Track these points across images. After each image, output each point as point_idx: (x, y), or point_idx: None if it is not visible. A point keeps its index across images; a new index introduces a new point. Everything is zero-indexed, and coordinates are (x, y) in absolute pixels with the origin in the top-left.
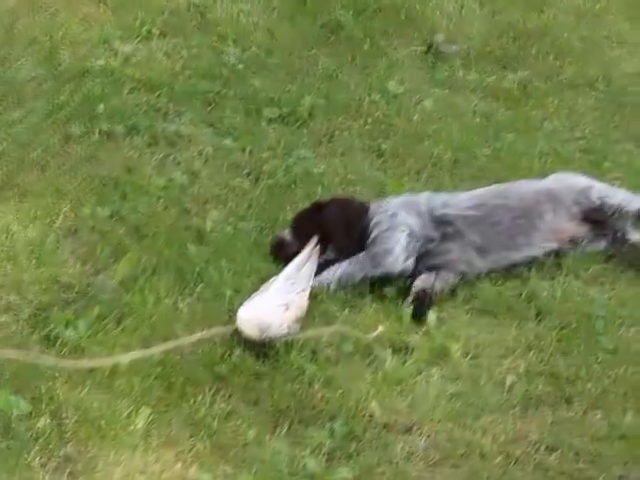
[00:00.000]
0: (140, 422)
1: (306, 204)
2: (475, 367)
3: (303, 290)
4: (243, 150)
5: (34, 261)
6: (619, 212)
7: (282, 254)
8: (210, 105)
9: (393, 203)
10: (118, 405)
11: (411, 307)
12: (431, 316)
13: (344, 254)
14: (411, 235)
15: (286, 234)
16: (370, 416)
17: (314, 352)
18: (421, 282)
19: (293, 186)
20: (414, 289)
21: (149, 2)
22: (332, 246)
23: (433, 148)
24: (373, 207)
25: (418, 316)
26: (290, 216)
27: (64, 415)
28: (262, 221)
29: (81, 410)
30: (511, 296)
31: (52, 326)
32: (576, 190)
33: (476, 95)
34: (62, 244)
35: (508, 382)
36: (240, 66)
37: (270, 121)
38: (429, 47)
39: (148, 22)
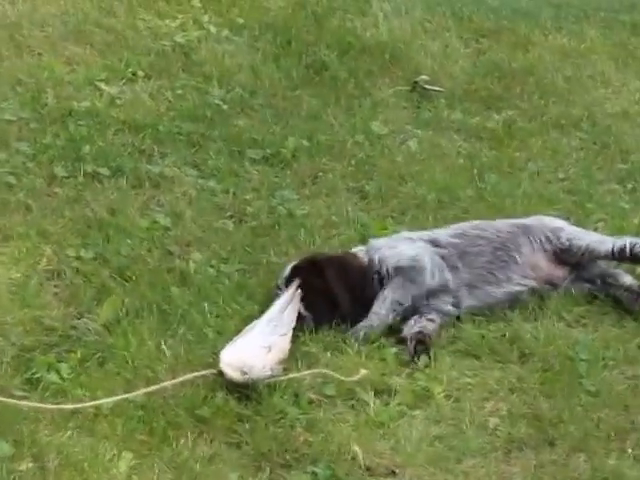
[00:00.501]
0: (122, 466)
1: (290, 247)
2: (458, 410)
3: (285, 333)
4: (227, 192)
5: (17, 303)
6: (588, 253)
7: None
8: (194, 146)
9: (382, 241)
10: (100, 449)
11: (412, 351)
12: (420, 360)
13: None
14: (426, 248)
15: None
16: (353, 459)
17: (296, 395)
18: (412, 327)
19: (277, 227)
20: (410, 334)
21: (135, 43)
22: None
23: (416, 189)
24: (366, 256)
25: (419, 357)
26: (274, 259)
27: (46, 458)
28: (245, 263)
29: (63, 453)
30: (494, 338)
31: (34, 369)
32: (548, 228)
33: (460, 135)
34: (45, 286)
35: (491, 425)
36: (224, 107)
37: (254, 162)
38: (413, 87)
39: (133, 63)
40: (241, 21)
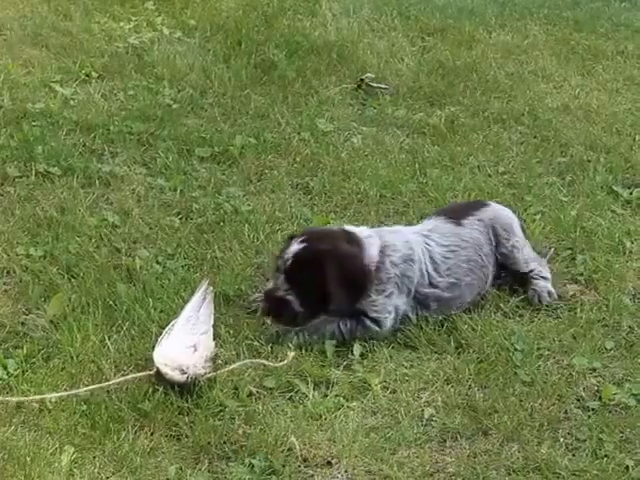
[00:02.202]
0: (64, 460)
1: (234, 243)
2: (394, 401)
3: (206, 331)
4: (175, 189)
5: None
6: (514, 266)
7: (287, 318)
8: (144, 145)
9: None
10: (43, 443)
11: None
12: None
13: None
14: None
15: (282, 290)
16: (290, 450)
17: (236, 388)
18: None
19: (222, 224)
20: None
21: (90, 46)
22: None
23: (360, 184)
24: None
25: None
26: (218, 254)
27: None
28: (190, 259)
29: (7, 449)
30: (432, 329)
31: None
32: (503, 227)
33: (403, 131)
34: None
35: (426, 415)
36: (175, 106)
37: (202, 160)
38: (359, 85)
39: (87, 65)
40: (193, 23)
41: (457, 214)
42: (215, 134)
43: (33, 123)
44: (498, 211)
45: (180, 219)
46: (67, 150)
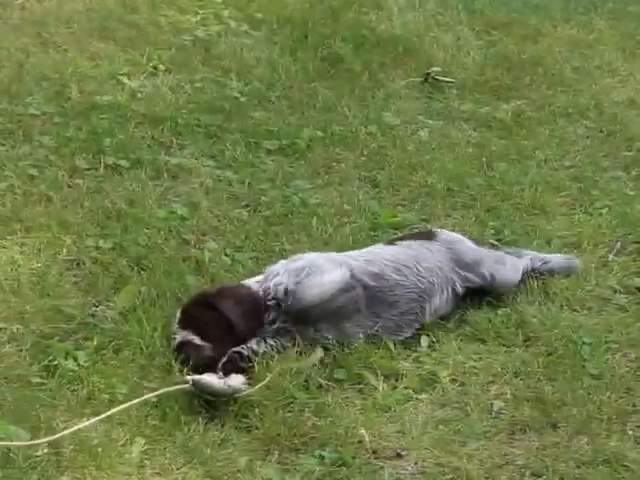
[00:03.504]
0: (135, 451)
1: (302, 235)
2: (463, 393)
3: None
4: (243, 182)
5: (38, 292)
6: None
7: (199, 360)
8: (212, 138)
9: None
10: (114, 434)
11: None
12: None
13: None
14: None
15: (191, 336)
16: (359, 443)
17: (306, 380)
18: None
19: (290, 216)
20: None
21: (157, 38)
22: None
23: (427, 178)
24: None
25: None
26: (286, 247)
27: (61, 444)
28: (258, 251)
29: (78, 439)
30: (500, 322)
31: (52, 356)
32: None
33: (470, 125)
34: (65, 275)
35: (495, 408)
36: (242, 99)
37: (269, 153)
38: (426, 78)
39: (155, 58)
40: (260, 16)
41: (403, 238)
42: (283, 127)
43: (101, 116)
44: (450, 238)
45: (248, 211)
46: (135, 142)
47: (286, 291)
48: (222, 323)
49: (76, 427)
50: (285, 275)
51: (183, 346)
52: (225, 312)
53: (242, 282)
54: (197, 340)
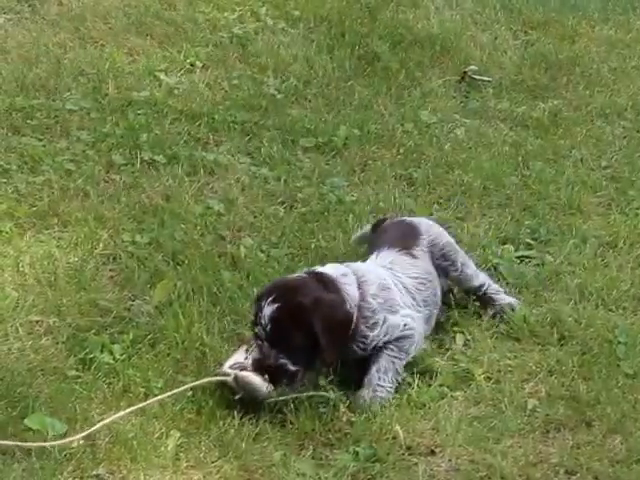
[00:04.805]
0: (170, 444)
1: (338, 232)
2: (497, 391)
3: None
4: (279, 179)
5: (74, 286)
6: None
7: (287, 381)
8: (248, 135)
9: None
10: (150, 427)
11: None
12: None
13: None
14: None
15: (272, 357)
16: (394, 439)
17: (342, 377)
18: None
19: (326, 213)
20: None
21: (194, 35)
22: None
23: (463, 176)
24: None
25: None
26: (322, 244)
27: (97, 436)
28: (294, 248)
29: (114, 431)
30: (535, 321)
31: (88, 350)
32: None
33: (506, 124)
34: (101, 270)
35: (529, 406)
36: (279, 96)
37: (306, 150)
38: (462, 77)
39: (192, 54)
40: (297, 13)
41: (402, 244)
42: (319, 124)
43: (138, 111)
44: (432, 234)
45: (284, 208)
46: (172, 138)
47: (376, 347)
48: (311, 343)
49: (109, 419)
50: (384, 327)
51: (267, 368)
52: (319, 336)
53: (340, 284)
54: (290, 365)
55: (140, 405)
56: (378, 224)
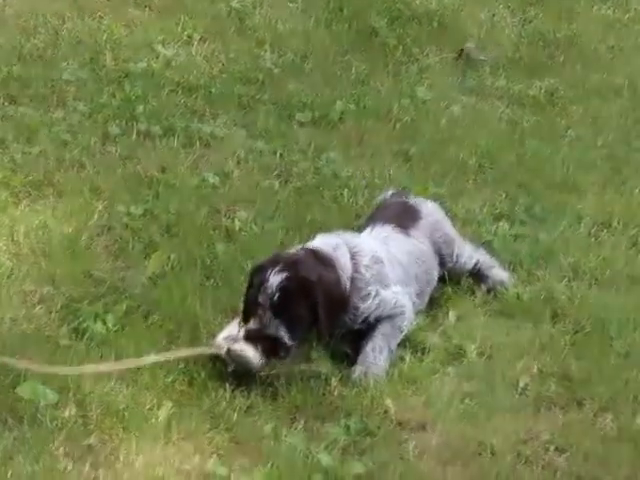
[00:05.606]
0: (162, 415)
1: (333, 206)
2: (489, 368)
3: None
4: (274, 152)
5: (68, 256)
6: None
7: (282, 355)
8: (245, 108)
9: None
10: (142, 398)
11: None
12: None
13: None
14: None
15: (272, 327)
16: (385, 413)
17: (333, 350)
18: None
19: (321, 188)
20: None
21: (192, 7)
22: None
23: (458, 153)
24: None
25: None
26: (317, 217)
27: (89, 407)
28: (289, 222)
29: (106, 402)
30: (529, 298)
31: (81, 319)
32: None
33: (503, 102)
34: (96, 240)
35: (521, 383)
36: (276, 70)
37: (302, 124)
38: (459, 54)
39: (190, 27)
40: None
41: (399, 222)
42: (315, 99)
43: (135, 83)
44: (433, 220)
45: (279, 182)
46: (168, 110)
47: (369, 323)
48: (310, 319)
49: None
50: (376, 300)
51: (264, 338)
52: (320, 312)
53: (335, 259)
54: (287, 339)
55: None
56: (398, 194)
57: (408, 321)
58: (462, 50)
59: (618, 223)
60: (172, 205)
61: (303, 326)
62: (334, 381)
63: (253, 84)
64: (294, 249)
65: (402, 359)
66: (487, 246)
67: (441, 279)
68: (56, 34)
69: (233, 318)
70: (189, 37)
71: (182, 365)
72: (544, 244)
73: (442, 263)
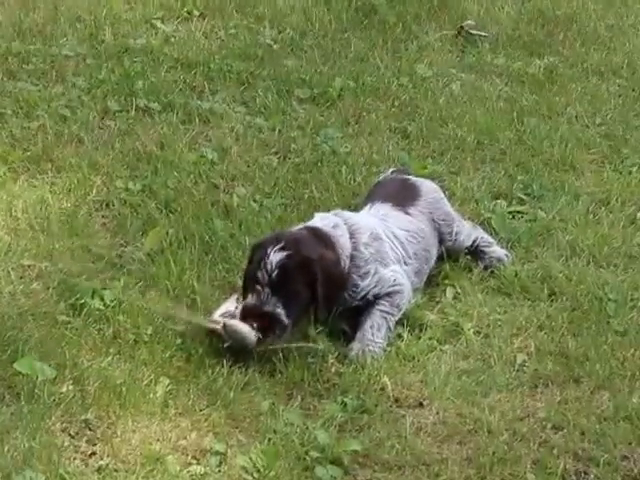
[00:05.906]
0: (159, 391)
1: (331, 183)
2: (486, 345)
3: None
4: (273, 129)
5: (66, 231)
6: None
7: (278, 333)
8: (244, 84)
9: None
10: (139, 374)
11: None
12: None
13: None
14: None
15: (270, 304)
16: (382, 390)
17: (330, 327)
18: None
19: (319, 164)
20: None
21: None
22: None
23: (457, 131)
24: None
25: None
26: (315, 194)
27: (86, 382)
28: (287, 198)
29: (103, 377)
30: (526, 276)
31: (79, 295)
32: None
33: (502, 80)
34: (94, 216)
35: (518, 361)
36: (275, 47)
37: (301, 101)
38: (459, 32)
39: (189, 3)
40: None
41: (398, 201)
42: (314, 76)
43: (134, 59)
44: (432, 199)
45: (278, 158)
46: (167, 86)
47: (367, 300)
48: (308, 298)
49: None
50: (375, 278)
51: (262, 315)
52: (318, 291)
53: (334, 238)
54: (284, 317)
55: None
56: (399, 171)
57: (406, 299)
58: (462, 27)
59: (616, 201)
60: (170, 181)
61: (300, 305)
62: (331, 358)
63: (252, 60)
64: (295, 228)
65: (399, 336)
66: (485, 224)
67: (440, 257)
68: (55, 9)
69: (231, 294)
70: (188, 13)
71: (179, 341)
72: (542, 222)
73: (441, 241)
